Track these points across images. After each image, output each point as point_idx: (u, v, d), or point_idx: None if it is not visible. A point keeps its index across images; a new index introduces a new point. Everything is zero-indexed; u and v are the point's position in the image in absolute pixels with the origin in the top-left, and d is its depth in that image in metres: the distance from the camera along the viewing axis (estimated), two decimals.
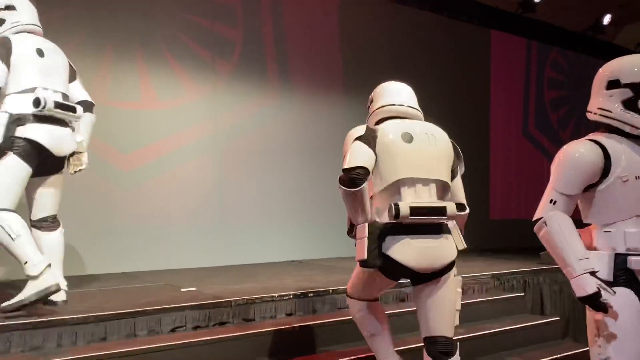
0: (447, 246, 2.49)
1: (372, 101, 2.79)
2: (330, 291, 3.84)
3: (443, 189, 2.53)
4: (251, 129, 5.97)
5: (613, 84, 2.16)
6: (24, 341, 2.82)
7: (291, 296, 3.68)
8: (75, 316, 2.98)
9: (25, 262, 3.05)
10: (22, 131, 3.17)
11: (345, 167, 2.37)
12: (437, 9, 7.55)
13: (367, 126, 2.61)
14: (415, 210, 2.32)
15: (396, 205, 2.32)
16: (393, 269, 2.43)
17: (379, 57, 6.89)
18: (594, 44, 9.33)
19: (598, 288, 2.01)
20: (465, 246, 2.68)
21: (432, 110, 7.63)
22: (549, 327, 4.26)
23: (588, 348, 2.20)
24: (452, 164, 2.59)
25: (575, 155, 2.14)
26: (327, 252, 6.06)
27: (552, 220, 2.14)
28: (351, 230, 2.61)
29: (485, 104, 8.23)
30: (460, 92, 7.76)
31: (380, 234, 2.39)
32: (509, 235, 8.03)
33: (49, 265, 3.09)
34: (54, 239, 3.43)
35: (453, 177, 2.61)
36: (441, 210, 2.39)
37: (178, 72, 5.60)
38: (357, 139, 2.49)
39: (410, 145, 2.46)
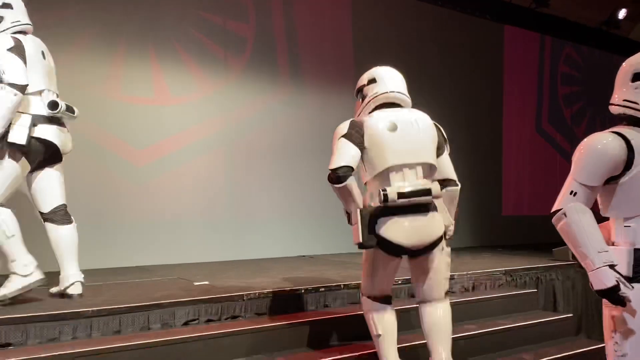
0: (435, 223, 2.73)
1: (364, 85, 2.92)
2: (342, 286, 3.86)
3: (430, 169, 2.76)
4: (262, 124, 5.99)
5: (639, 76, 2.14)
6: (41, 333, 2.86)
7: (303, 291, 3.70)
8: (90, 309, 3.02)
9: (13, 260, 3.17)
10: (37, 132, 3.29)
11: (330, 167, 2.63)
12: (451, 3, 7.51)
13: (352, 121, 2.76)
14: (402, 195, 2.59)
15: (384, 190, 2.59)
16: (388, 247, 2.67)
17: (391, 52, 6.86)
18: (608, 39, 9.22)
19: (617, 281, 1.97)
20: (453, 222, 2.94)
21: (444, 106, 7.69)
22: (561, 324, 4.24)
23: (601, 345, 2.18)
24: (436, 145, 2.82)
25: (598, 147, 2.10)
26: (338, 247, 6.07)
27: (571, 211, 2.10)
28: (350, 219, 2.76)
29: (498, 99, 8.18)
30: (473, 88, 7.72)
31: (372, 216, 2.65)
32: (521, 231, 8.00)
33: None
34: (67, 233, 3.51)
35: (439, 155, 2.84)
36: (427, 192, 2.64)
37: (190, 68, 5.63)
38: (342, 136, 2.69)
39: (395, 133, 2.69)
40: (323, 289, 3.77)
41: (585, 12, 8.52)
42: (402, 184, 2.63)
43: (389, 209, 2.61)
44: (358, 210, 2.63)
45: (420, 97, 7.66)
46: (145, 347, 2.88)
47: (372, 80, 2.88)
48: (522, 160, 8.40)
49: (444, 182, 2.85)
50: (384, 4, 6.93)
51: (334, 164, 2.61)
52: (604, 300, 2.07)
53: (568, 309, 4.92)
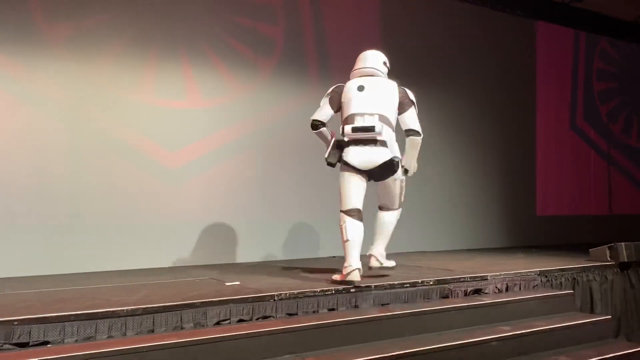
0: (380, 153, 3.81)
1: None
2: (373, 287, 3.84)
3: (384, 119, 3.84)
4: (293, 125, 6.00)
5: None
6: (77, 331, 2.92)
7: (333, 291, 3.69)
8: (125, 308, 3.08)
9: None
10: None
11: (311, 117, 4.06)
12: (480, 1, 7.41)
13: (338, 85, 4.09)
14: (355, 129, 3.80)
15: (344, 127, 3.86)
16: (348, 166, 3.88)
17: (419, 52, 6.82)
18: None
19: None
20: (414, 163, 4.05)
21: (475, 105, 7.59)
22: (599, 326, 4.13)
23: None
24: (397, 103, 3.96)
25: None
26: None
27: None
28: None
29: (531, 97, 8.02)
30: (505, 85, 7.61)
31: (338, 145, 3.94)
32: (556, 231, 7.83)
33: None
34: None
35: (403, 112, 3.99)
36: (371, 128, 3.77)
37: (221, 71, 5.69)
38: (326, 96, 4.09)
39: (361, 92, 3.92)
40: (354, 290, 3.75)
41: (621, 6, 8.28)
42: (360, 123, 3.81)
43: (348, 142, 3.84)
44: (332, 141, 3.96)
45: (451, 95, 7.64)
46: (178, 346, 2.92)
47: (358, 60, 4.16)
48: (556, 158, 8.21)
49: (408, 132, 4.01)
50: (413, 4, 6.89)
51: (313, 117, 4.06)
52: None
53: (606, 311, 4.78)
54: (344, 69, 6.60)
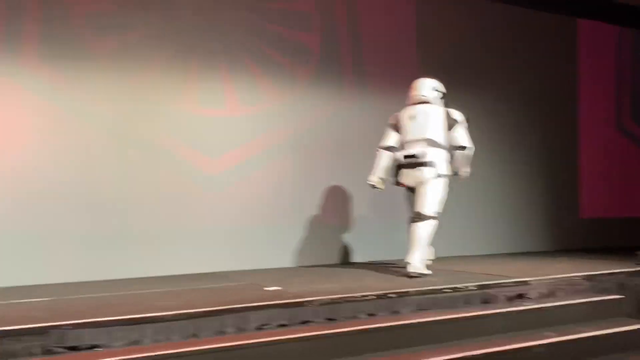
0: (426, 172, 4.62)
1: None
2: (413, 292, 3.82)
3: (432, 142, 4.67)
4: (329, 130, 6.06)
5: None
6: (124, 336, 3.02)
7: (374, 297, 3.69)
8: (169, 313, 3.16)
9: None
10: None
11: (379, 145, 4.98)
12: (518, 1, 7.28)
13: (395, 114, 4.97)
14: (405, 157, 4.74)
15: (397, 155, 4.83)
16: (403, 185, 4.84)
17: (457, 56, 6.76)
18: None
19: None
20: (463, 169, 4.84)
21: (515, 106, 7.45)
22: None
23: None
24: (444, 125, 4.74)
25: None
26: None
27: None
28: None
29: (573, 97, 7.82)
30: (546, 85, 7.45)
31: (396, 167, 4.83)
32: (601, 234, 7.59)
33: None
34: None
35: (451, 131, 4.75)
36: (415, 156, 4.67)
37: (258, 79, 5.78)
38: (388, 125, 4.97)
39: (411, 121, 4.80)
40: (394, 295, 3.74)
41: None
42: (409, 151, 4.71)
43: (402, 164, 4.76)
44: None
45: (490, 97, 7.52)
46: (221, 350, 2.98)
47: (411, 88, 4.96)
48: (601, 159, 7.96)
49: (456, 148, 4.76)
50: (449, 8, 6.83)
51: (380, 143, 4.98)
52: None
53: None
54: (379, 75, 6.65)
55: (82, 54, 5.00)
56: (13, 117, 4.76)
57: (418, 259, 4.53)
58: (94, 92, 5.03)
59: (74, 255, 4.82)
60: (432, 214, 4.58)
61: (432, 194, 4.60)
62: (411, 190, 4.79)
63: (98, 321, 3.01)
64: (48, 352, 2.81)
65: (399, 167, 4.76)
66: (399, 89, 6.39)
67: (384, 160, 4.87)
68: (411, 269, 4.50)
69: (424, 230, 4.57)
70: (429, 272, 4.60)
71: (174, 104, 5.35)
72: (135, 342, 3.02)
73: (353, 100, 6.24)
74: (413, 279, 4.35)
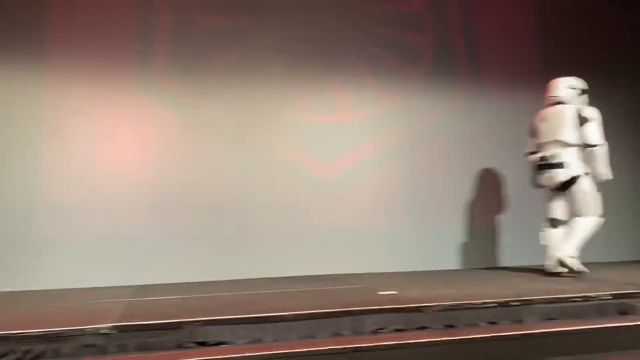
0: (562, 173, 4.72)
1: None
2: (538, 301, 3.60)
3: (562, 143, 4.74)
4: (443, 133, 5.94)
5: None
6: (247, 334, 3.16)
7: (495, 305, 3.54)
8: (289, 313, 3.26)
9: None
10: None
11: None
12: None
13: (532, 120, 5.10)
14: (540, 159, 4.86)
15: (533, 159, 4.98)
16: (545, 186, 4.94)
17: (580, 53, 6.32)
18: None
19: None
20: (600, 170, 4.70)
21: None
22: None
23: None
24: (575, 124, 4.72)
25: None
26: (531, 259, 5.69)
27: None
28: None
29: None
30: None
31: (535, 169, 4.96)
32: None
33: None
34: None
35: (582, 128, 4.70)
36: (548, 158, 4.76)
37: (369, 84, 5.82)
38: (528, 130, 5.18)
39: (543, 123, 4.93)
40: (517, 303, 3.56)
41: None
42: (543, 154, 4.84)
43: (539, 166, 4.88)
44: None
45: (620, 93, 6.93)
46: (337, 352, 3.01)
47: (546, 89, 4.98)
48: None
49: (587, 146, 4.71)
50: (572, 4, 6.41)
51: (525, 151, 5.19)
52: None
53: None
54: (496, 73, 6.38)
55: (204, 69, 5.36)
56: (146, 130, 5.21)
57: (572, 250, 4.58)
58: (216, 104, 5.37)
59: (200, 256, 5.19)
60: (592, 215, 4.64)
61: (580, 196, 4.67)
62: (555, 191, 4.85)
63: (224, 319, 3.17)
64: (179, 346, 3.02)
65: (538, 168, 4.87)
66: (517, 86, 6.12)
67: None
68: (562, 255, 4.59)
69: (586, 225, 4.63)
70: (583, 268, 4.58)
71: (288, 113, 5.63)
72: (257, 340, 3.15)
73: (467, 101, 6.07)
74: (549, 278, 4.33)
